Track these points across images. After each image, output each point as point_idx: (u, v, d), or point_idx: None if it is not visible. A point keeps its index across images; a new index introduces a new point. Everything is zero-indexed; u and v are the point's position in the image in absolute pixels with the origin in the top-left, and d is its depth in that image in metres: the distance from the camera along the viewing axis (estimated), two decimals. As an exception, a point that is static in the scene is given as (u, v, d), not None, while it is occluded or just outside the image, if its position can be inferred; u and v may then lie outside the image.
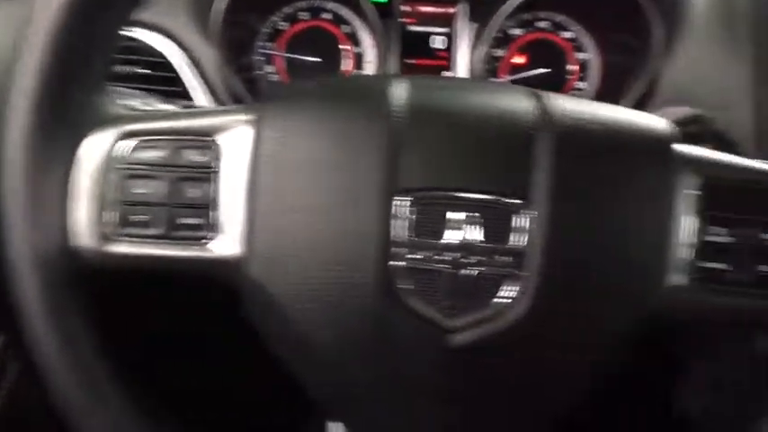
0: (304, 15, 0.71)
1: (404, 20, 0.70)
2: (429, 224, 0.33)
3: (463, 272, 0.33)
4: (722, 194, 0.35)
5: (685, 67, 0.60)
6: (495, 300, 0.33)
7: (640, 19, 0.61)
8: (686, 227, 0.34)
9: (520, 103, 0.35)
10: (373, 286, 0.32)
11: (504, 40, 0.70)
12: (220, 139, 0.35)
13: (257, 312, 0.35)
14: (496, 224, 0.33)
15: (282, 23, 0.71)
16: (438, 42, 0.71)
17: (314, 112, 0.34)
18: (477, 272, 0.33)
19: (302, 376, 0.36)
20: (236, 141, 0.35)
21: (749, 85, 0.57)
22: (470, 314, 0.33)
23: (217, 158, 0.35)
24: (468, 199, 0.33)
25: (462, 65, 0.70)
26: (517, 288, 0.33)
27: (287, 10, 0.71)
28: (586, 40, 0.70)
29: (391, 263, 0.33)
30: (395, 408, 0.35)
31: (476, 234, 0.33)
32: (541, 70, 0.69)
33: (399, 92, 0.35)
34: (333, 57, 0.71)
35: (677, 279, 0.34)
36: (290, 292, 0.33)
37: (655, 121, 0.36)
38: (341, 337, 0.33)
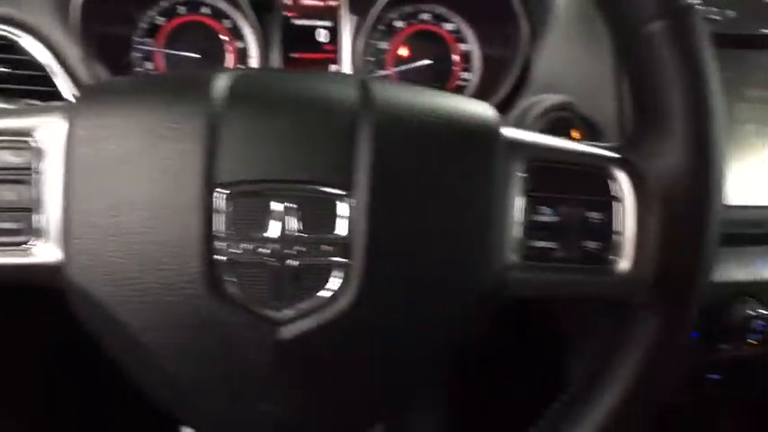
0: (182, 10, 0.68)
1: (286, 13, 0.69)
2: (251, 216, 0.33)
3: (288, 263, 0.33)
4: (547, 176, 0.36)
5: (554, 58, 0.63)
6: (322, 290, 0.33)
7: (509, 12, 0.64)
8: (517, 207, 0.36)
9: (341, 91, 0.35)
10: (198, 283, 0.32)
11: (387, 32, 0.71)
12: (40, 138, 0.34)
13: (85, 317, 0.34)
14: (320, 213, 0.33)
15: (160, 18, 0.68)
16: (323, 36, 0.71)
17: (129, 108, 0.33)
18: (302, 263, 0.33)
19: (137, 379, 0.35)
20: (55, 140, 0.34)
21: (611, 74, 0.60)
22: (298, 306, 0.33)
23: (38, 159, 0.33)
24: (290, 189, 0.33)
25: (348, 58, 0.70)
26: (343, 277, 0.33)
27: (164, 4, 0.68)
28: (468, 32, 0.72)
29: (215, 257, 0.32)
30: (233, 404, 0.34)
31: (299, 224, 0.33)
32: (426, 61, 0.70)
33: (219, 84, 0.34)
34: (215, 52, 0.69)
35: (510, 258, 0.36)
36: (115, 295, 0.32)
37: (480, 107, 0.37)
38: (170, 337, 0.33)
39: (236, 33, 0.69)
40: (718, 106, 0.36)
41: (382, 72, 0.70)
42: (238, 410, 0.35)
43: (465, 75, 0.72)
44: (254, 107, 0.34)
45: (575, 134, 0.62)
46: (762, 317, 0.62)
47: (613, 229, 0.36)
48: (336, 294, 0.33)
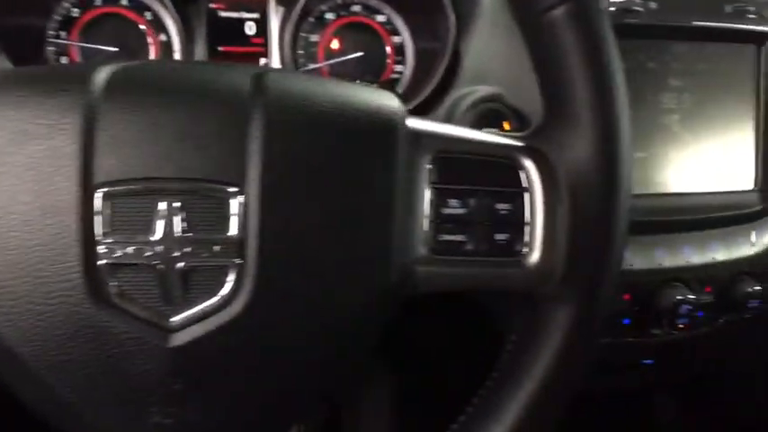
0: (99, 1, 0.65)
1: (212, 5, 0.67)
2: (135, 217, 0.31)
3: (177, 266, 0.31)
4: (454, 167, 0.35)
5: (483, 50, 0.63)
6: (215, 293, 0.32)
7: (436, 3, 0.63)
8: (426, 200, 0.35)
9: (232, 82, 0.33)
10: (80, 290, 0.30)
11: (318, 24, 0.69)
12: None
13: None
14: (209, 212, 0.31)
15: (75, 9, 0.64)
16: (251, 28, 0.69)
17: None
18: (192, 265, 0.31)
19: (20, 395, 0.33)
20: None
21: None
22: (189, 311, 0.31)
23: None
24: (176, 187, 0.31)
25: (277, 51, 0.68)
26: (236, 279, 0.31)
27: (77, -7, 0.65)
28: (400, 24, 0.71)
29: (97, 262, 0.30)
30: (124, 418, 0.32)
31: (187, 224, 0.31)
32: (357, 54, 0.69)
33: (99, 77, 0.32)
34: (135, 46, 0.65)
35: (418, 252, 0.35)
36: None
37: (383, 97, 0.36)
38: (51, 349, 0.31)
39: (159, 26, 0.66)
40: (623, 94, 0.36)
41: (313, 65, 0.69)
42: (130, 424, 0.33)
43: (398, 67, 0.71)
44: (134, 100, 0.32)
45: (507, 125, 0.63)
46: (689, 301, 0.63)
47: (523, 221, 0.36)
48: (229, 297, 0.31)
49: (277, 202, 0.31)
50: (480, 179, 0.36)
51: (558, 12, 0.34)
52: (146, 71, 0.34)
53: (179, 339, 0.31)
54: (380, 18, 0.70)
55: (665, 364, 0.71)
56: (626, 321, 0.66)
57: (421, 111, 0.65)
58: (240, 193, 0.31)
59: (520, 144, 0.37)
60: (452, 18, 0.63)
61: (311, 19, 0.68)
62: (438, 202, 0.35)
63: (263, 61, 0.68)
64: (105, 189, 0.30)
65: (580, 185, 0.35)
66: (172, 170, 0.31)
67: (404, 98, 0.71)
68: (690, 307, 0.64)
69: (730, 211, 0.67)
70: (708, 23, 0.65)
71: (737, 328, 0.70)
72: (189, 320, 0.31)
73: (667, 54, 0.65)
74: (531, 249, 0.36)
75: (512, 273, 0.36)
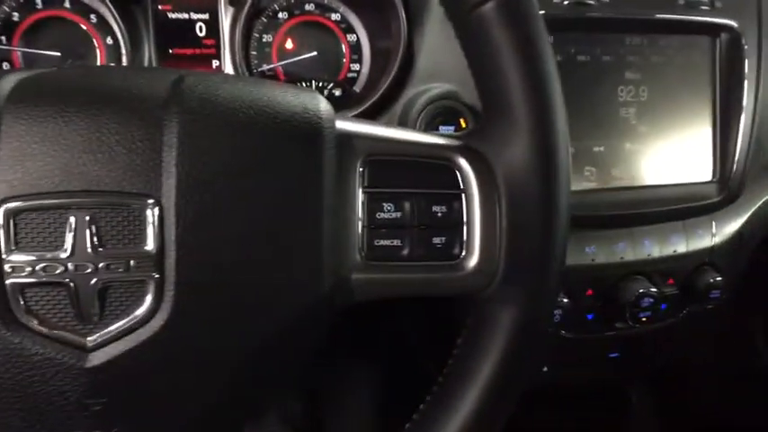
0: (40, 4, 0.63)
1: (159, 6, 0.65)
2: (45, 233, 0.29)
3: (92, 282, 0.30)
4: (388, 170, 0.34)
5: (436, 47, 0.62)
6: (135, 308, 0.30)
7: (387, 1, 0.62)
8: (358, 205, 0.34)
9: (148, 87, 0.32)
10: None
11: (271, 24, 0.67)
12: None
13: None
14: (124, 224, 0.30)
15: (15, 14, 0.62)
16: (203, 29, 0.67)
17: None
18: (108, 280, 0.30)
19: None
20: None
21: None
22: (108, 328, 0.30)
23: None
24: (88, 201, 0.29)
25: (229, 52, 0.66)
26: (155, 293, 0.30)
27: (18, -3, 0.62)
28: (355, 22, 0.69)
29: (7, 282, 0.29)
30: None
31: (100, 239, 0.30)
32: (312, 54, 0.68)
33: (4, 88, 0.30)
34: (81, 50, 0.63)
35: (352, 259, 0.34)
36: None
37: (309, 99, 0.35)
38: None
39: (104, 29, 0.64)
40: (558, 89, 0.35)
41: (267, 66, 0.67)
42: None
43: (355, 66, 0.70)
44: (40, 110, 0.30)
45: (463, 123, 0.62)
46: (651, 294, 0.63)
47: (461, 223, 0.35)
48: (149, 312, 0.30)
49: (195, 212, 0.30)
50: (415, 181, 0.35)
51: (487, 7, 0.34)
52: (55, 79, 0.32)
53: (97, 359, 0.30)
54: (335, 16, 0.69)
55: (631, 357, 0.71)
56: (589, 316, 0.66)
57: (377, 110, 0.64)
58: (156, 204, 0.30)
59: (455, 144, 0.36)
60: (403, 15, 0.62)
61: (264, 19, 0.67)
62: (372, 207, 0.34)
63: (215, 63, 0.67)
64: (8, 204, 0.29)
65: (518, 184, 0.35)
66: (80, 183, 0.29)
67: (362, 97, 0.71)
68: (652, 300, 0.64)
69: (690, 203, 0.67)
70: (662, 15, 0.65)
71: (700, 319, 0.70)
72: (107, 339, 0.30)
73: (622, 47, 0.65)
74: (469, 252, 0.35)
75: (451, 276, 0.35)
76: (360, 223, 0.34)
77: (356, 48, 0.70)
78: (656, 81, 0.67)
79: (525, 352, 0.36)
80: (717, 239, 0.69)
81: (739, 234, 0.70)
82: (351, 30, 0.70)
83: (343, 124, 0.35)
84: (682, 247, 0.67)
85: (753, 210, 0.71)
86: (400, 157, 0.35)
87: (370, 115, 0.64)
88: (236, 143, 0.31)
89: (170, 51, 0.66)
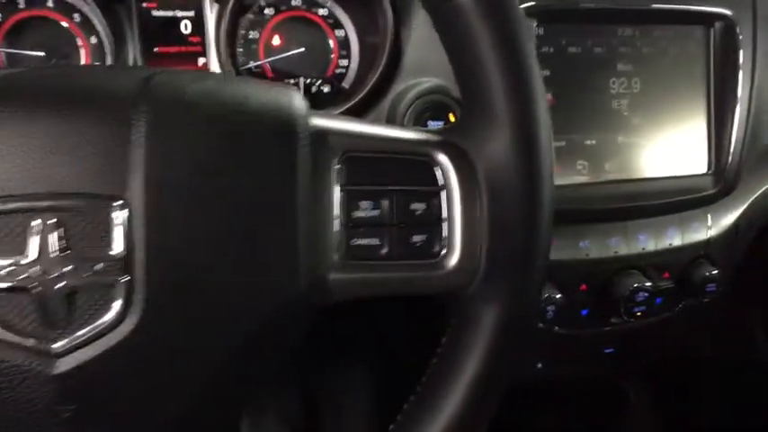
0: (23, 4, 0.62)
1: (144, 4, 0.64)
2: (8, 238, 0.28)
3: (58, 287, 0.29)
4: (366, 167, 0.34)
5: (423, 42, 0.61)
6: (104, 312, 0.29)
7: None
8: (336, 203, 0.33)
9: (116, 86, 0.31)
10: None
11: (257, 20, 0.66)
12: None
13: None
14: (92, 228, 0.29)
15: (-4, 14, 0.61)
16: (188, 27, 0.66)
17: None
18: (75, 285, 0.29)
19: None
20: None
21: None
22: (76, 333, 0.29)
23: None
24: (52, 204, 0.29)
25: (214, 49, 0.65)
26: (124, 297, 0.29)
27: (-1, -4, 0.61)
28: (343, 17, 0.69)
29: None
30: None
31: (67, 242, 0.29)
32: (299, 50, 0.67)
33: None
34: (66, 50, 0.62)
35: (330, 258, 0.33)
36: None
37: (283, 96, 0.34)
38: None
39: (88, 28, 0.63)
40: (539, 81, 0.34)
41: (254, 63, 0.66)
42: None
43: (343, 62, 0.69)
44: (5, 109, 0.29)
45: (452, 118, 0.61)
46: (645, 288, 0.63)
47: (441, 221, 0.34)
48: (119, 317, 0.29)
49: (164, 212, 0.29)
50: (393, 178, 0.34)
51: None
52: (22, 79, 0.31)
53: (65, 365, 0.29)
54: (322, 12, 0.68)
55: (626, 352, 0.71)
56: (584, 312, 0.65)
57: (365, 106, 0.63)
58: (124, 206, 0.29)
59: (435, 139, 0.35)
60: (389, 9, 0.61)
61: (250, 15, 0.66)
62: (349, 205, 0.33)
63: (201, 61, 0.66)
64: None
65: (500, 179, 0.34)
66: (44, 185, 0.28)
67: (350, 93, 0.70)
68: (647, 294, 0.63)
69: (685, 196, 0.66)
70: (654, 6, 0.64)
71: (696, 312, 0.69)
72: (75, 344, 0.29)
73: (615, 38, 0.64)
74: (450, 250, 0.34)
75: (431, 275, 0.34)
76: (337, 222, 0.33)
77: (344, 43, 0.69)
78: (649, 72, 0.66)
79: (510, 349, 0.35)
80: (712, 232, 0.68)
81: (735, 226, 0.69)
82: (338, 25, 0.69)
83: (319, 121, 0.34)
84: (677, 241, 0.66)
85: (749, 202, 0.70)
86: (378, 154, 0.34)
87: (359, 111, 0.63)
88: (207, 141, 0.30)
89: (155, 50, 0.65)
